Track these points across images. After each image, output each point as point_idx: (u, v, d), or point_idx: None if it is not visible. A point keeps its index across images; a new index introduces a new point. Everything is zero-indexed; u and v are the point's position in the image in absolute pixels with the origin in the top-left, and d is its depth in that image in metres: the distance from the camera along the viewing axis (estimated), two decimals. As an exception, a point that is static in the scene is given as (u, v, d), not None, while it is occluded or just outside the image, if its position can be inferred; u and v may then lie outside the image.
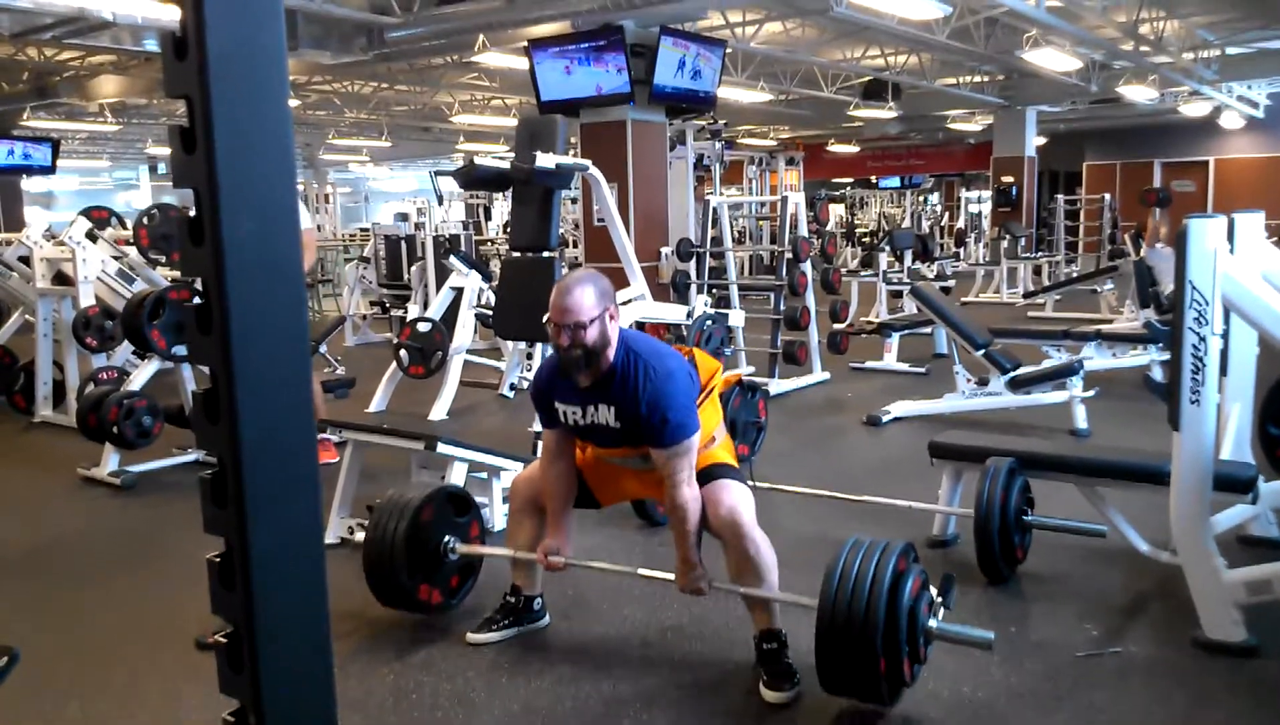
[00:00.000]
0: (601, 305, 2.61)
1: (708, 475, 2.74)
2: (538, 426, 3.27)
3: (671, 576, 2.80)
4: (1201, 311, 2.78)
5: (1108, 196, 15.60)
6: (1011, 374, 5.88)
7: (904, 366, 7.81)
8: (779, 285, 7.37)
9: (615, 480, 3.00)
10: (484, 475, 4.10)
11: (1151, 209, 10.38)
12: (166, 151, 8.92)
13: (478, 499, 4.12)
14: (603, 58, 7.98)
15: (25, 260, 6.75)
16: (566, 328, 2.58)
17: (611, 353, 2.66)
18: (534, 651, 3.01)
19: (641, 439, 2.67)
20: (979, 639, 2.49)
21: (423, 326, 6.52)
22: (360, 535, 3.95)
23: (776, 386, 6.99)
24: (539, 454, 3.00)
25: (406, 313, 8.82)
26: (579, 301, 2.58)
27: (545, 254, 5.05)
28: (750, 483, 2.87)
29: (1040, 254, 14.87)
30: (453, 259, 7.21)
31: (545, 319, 2.64)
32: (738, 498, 2.71)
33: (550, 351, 2.76)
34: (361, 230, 17.93)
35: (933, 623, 2.48)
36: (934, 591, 2.57)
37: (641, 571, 3.02)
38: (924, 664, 2.52)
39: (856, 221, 22.04)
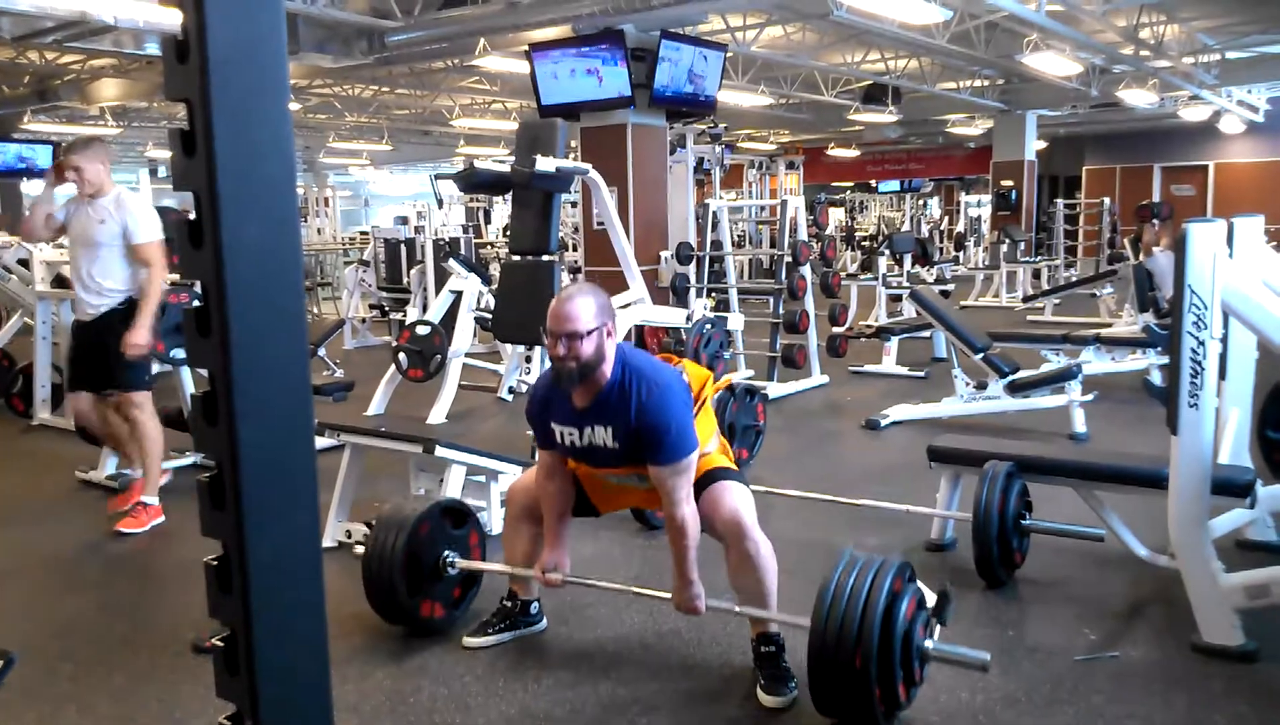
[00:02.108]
0: (600, 320, 2.60)
1: (708, 478, 2.74)
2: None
3: (668, 595, 2.78)
4: (1200, 316, 2.78)
5: (1107, 201, 15.62)
6: (1010, 378, 5.88)
7: (903, 370, 7.81)
8: (778, 289, 7.37)
9: (614, 492, 3.00)
10: (482, 478, 4.10)
11: (1148, 223, 10.38)
12: (167, 155, 8.90)
13: (475, 503, 4.13)
14: (603, 62, 7.99)
15: (25, 263, 6.75)
16: (563, 337, 2.57)
17: (608, 370, 2.64)
18: (531, 656, 3.01)
19: (639, 458, 2.66)
20: (975, 660, 2.42)
21: (422, 330, 6.52)
22: (359, 539, 3.96)
23: (775, 390, 6.99)
24: (536, 463, 2.99)
25: (405, 316, 8.83)
26: (577, 312, 2.58)
27: (545, 258, 5.06)
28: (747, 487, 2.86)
29: (1039, 258, 14.87)
30: (452, 262, 7.22)
31: (543, 328, 2.64)
32: (739, 498, 2.71)
33: (548, 364, 2.76)
34: (361, 233, 17.93)
35: (929, 644, 2.44)
36: (930, 603, 2.54)
37: (637, 590, 3.00)
38: (920, 686, 2.50)
39: (856, 225, 22.07)
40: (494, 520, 4.10)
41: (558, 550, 2.89)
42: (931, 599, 2.56)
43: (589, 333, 2.57)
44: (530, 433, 2.99)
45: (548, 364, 3.01)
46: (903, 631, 2.35)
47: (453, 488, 3.82)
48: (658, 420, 2.59)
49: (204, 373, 1.04)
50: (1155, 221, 8.32)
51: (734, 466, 2.89)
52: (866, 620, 2.29)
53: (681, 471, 2.62)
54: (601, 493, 3.00)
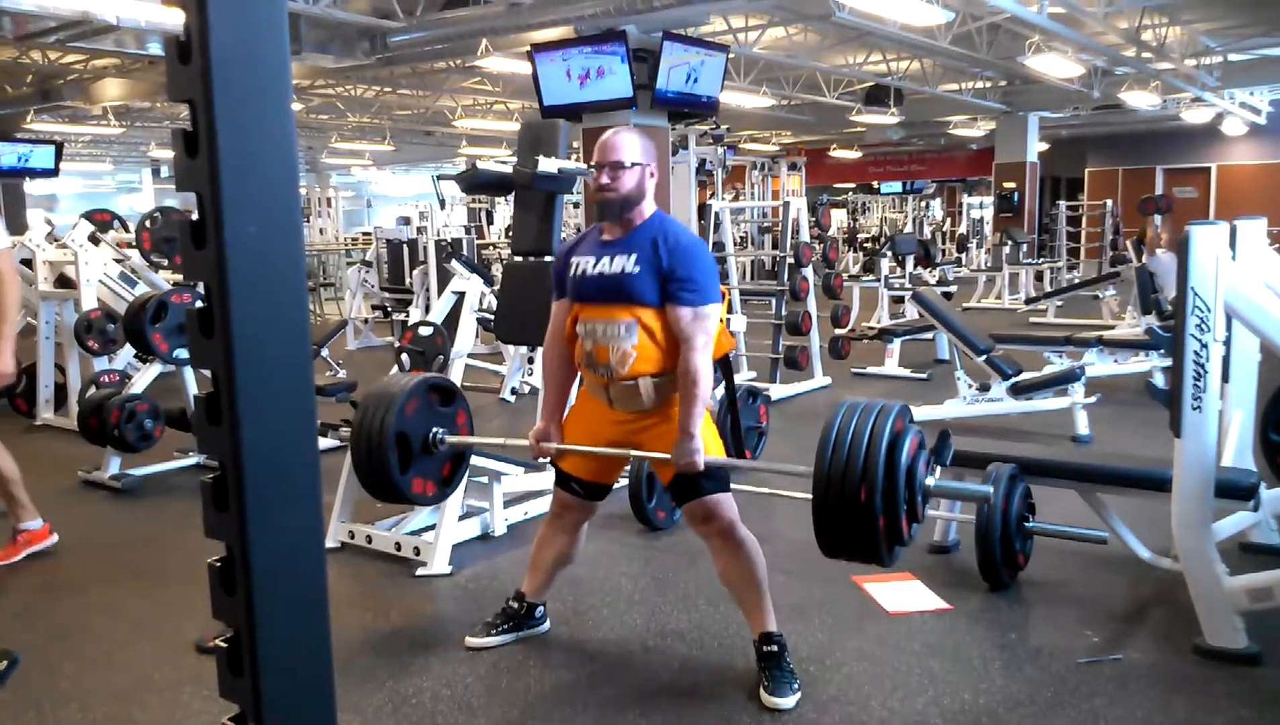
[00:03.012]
0: (645, 157, 2.66)
1: (692, 490, 2.67)
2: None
3: (667, 455, 2.63)
4: (1203, 318, 2.77)
5: (1109, 202, 15.63)
6: (1013, 380, 5.88)
7: (905, 372, 7.80)
8: (780, 290, 7.36)
9: (594, 439, 2.81)
10: (485, 480, 4.10)
11: (1150, 217, 10.38)
12: (169, 155, 8.95)
13: (478, 505, 4.14)
14: (606, 62, 7.99)
15: (28, 263, 6.75)
16: (607, 166, 2.62)
17: (646, 211, 2.68)
18: (534, 657, 3.00)
19: (654, 290, 2.59)
20: (976, 493, 2.44)
21: (424, 330, 6.51)
22: (359, 540, 3.96)
23: (778, 391, 6.99)
24: (541, 406, 2.90)
25: (408, 317, 8.83)
26: (622, 143, 2.64)
27: (547, 258, 5.05)
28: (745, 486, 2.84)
29: (1042, 260, 14.87)
30: (455, 263, 7.20)
31: (590, 163, 2.69)
32: (717, 500, 2.69)
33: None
34: (364, 234, 17.95)
35: (930, 481, 2.44)
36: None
37: (635, 453, 2.74)
38: (920, 523, 2.43)
39: (858, 227, 22.07)
40: (496, 521, 4.10)
41: (552, 420, 2.87)
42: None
43: (634, 165, 2.62)
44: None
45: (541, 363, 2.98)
46: (906, 467, 2.34)
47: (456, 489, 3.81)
48: (688, 261, 2.60)
49: (207, 373, 1.04)
50: (1157, 219, 8.30)
51: (722, 452, 2.79)
52: (871, 455, 2.28)
53: (703, 317, 2.60)
54: (585, 449, 2.84)
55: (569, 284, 2.77)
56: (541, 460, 2.98)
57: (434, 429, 3.05)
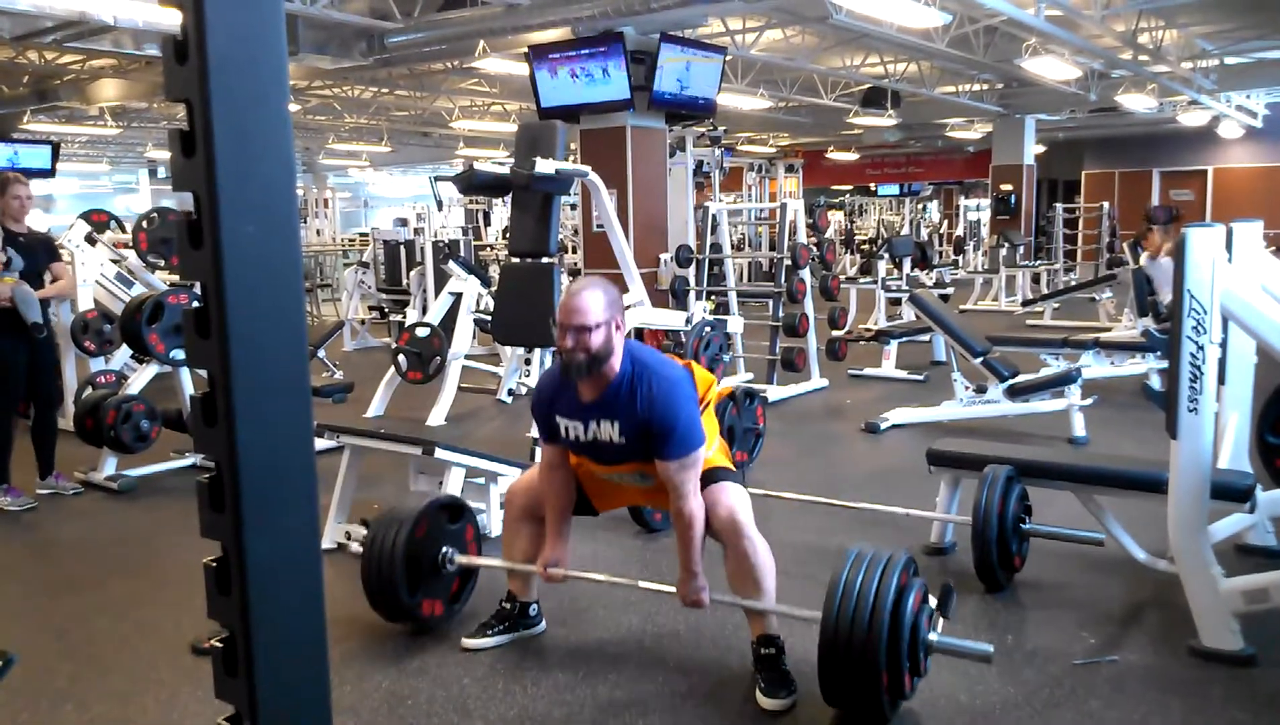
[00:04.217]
0: (609, 313, 2.62)
1: (707, 478, 2.74)
2: (535, 432, 3.27)
3: (672, 589, 2.79)
4: (1200, 320, 2.78)
5: (1106, 205, 15.62)
6: (1010, 382, 5.88)
7: (902, 374, 7.81)
8: (778, 292, 7.37)
9: (613, 491, 3.01)
10: (481, 480, 4.10)
11: (1155, 227, 10.35)
12: (166, 155, 8.94)
13: (475, 504, 4.13)
14: (603, 64, 7.99)
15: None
16: (572, 329, 2.59)
17: (616, 363, 2.66)
18: (530, 658, 3.00)
19: (644, 454, 2.67)
20: (978, 652, 2.51)
21: (421, 331, 6.52)
22: (358, 540, 3.95)
23: (775, 393, 6.99)
24: (537, 461, 2.99)
25: (405, 318, 8.83)
26: (586, 305, 2.60)
27: (544, 260, 5.06)
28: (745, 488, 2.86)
29: (1039, 262, 14.89)
30: (452, 264, 7.22)
31: (552, 321, 2.66)
32: (736, 499, 2.72)
33: (552, 362, 2.76)
34: (361, 235, 17.93)
35: (933, 636, 2.49)
36: (933, 603, 2.57)
37: (642, 584, 3.01)
38: (923, 677, 2.51)
39: (855, 229, 22.07)
40: (493, 522, 4.09)
41: (559, 546, 2.90)
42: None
43: (598, 326, 2.59)
44: (531, 434, 2.99)
45: (549, 362, 3.01)
46: (910, 623, 2.39)
47: (452, 490, 3.82)
48: (666, 414, 2.61)
49: (203, 374, 1.04)
50: (1153, 227, 8.29)
51: (732, 467, 2.89)
52: (877, 611, 2.34)
53: (689, 466, 2.63)
54: (600, 491, 3.01)
55: (563, 442, 2.82)
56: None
57: (443, 549, 3.12)
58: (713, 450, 2.87)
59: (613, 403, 2.66)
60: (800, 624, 3.12)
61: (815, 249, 8.38)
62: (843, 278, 10.92)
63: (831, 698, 2.46)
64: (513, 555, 3.06)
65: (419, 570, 3.06)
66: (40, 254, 4.77)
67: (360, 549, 3.16)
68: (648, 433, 2.63)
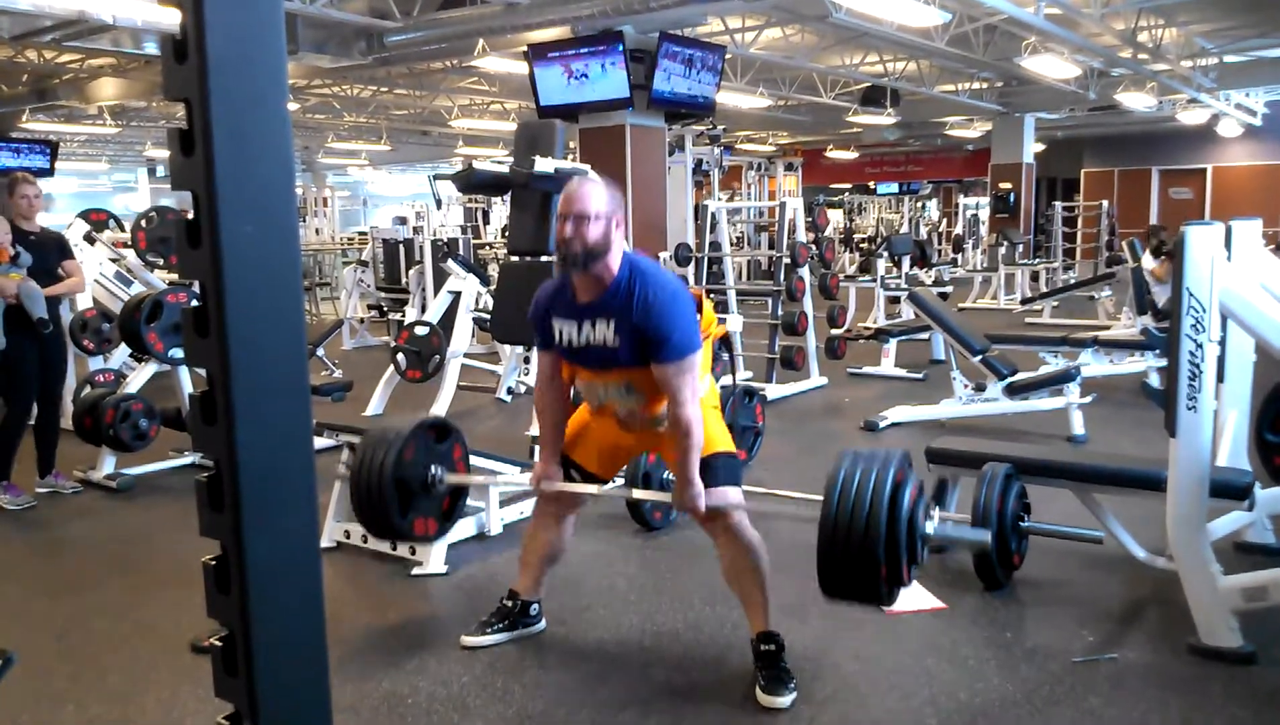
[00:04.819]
0: (609, 208, 2.63)
1: (704, 468, 2.70)
2: (534, 430, 3.26)
3: (667, 497, 2.73)
4: (1199, 318, 2.78)
5: (1105, 203, 15.63)
6: (1009, 380, 5.88)
7: (901, 372, 7.81)
8: (777, 290, 7.37)
9: (607, 433, 2.91)
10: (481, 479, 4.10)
11: (1167, 257, 10.34)
12: (165, 154, 8.94)
13: (474, 504, 4.13)
14: (602, 63, 7.99)
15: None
16: (572, 217, 2.59)
17: (614, 264, 2.64)
18: (530, 656, 3.00)
19: (636, 359, 2.63)
20: (974, 540, 2.49)
21: (420, 330, 6.51)
22: (355, 539, 3.96)
23: (774, 391, 6.99)
24: (538, 454, 2.96)
25: (404, 316, 8.82)
26: (587, 194, 2.61)
27: (543, 258, 5.05)
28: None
29: (1038, 260, 14.89)
30: (451, 263, 7.21)
31: (556, 215, 2.67)
32: (724, 492, 2.70)
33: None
34: (360, 234, 17.93)
35: (930, 527, 2.48)
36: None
37: (634, 492, 2.91)
38: (920, 567, 2.48)
39: (854, 227, 22.06)
40: (492, 521, 4.10)
41: (552, 462, 2.90)
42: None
43: (597, 216, 2.59)
44: (530, 433, 2.99)
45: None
46: (907, 515, 2.39)
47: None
48: (662, 321, 2.58)
49: (202, 372, 1.04)
50: (1166, 256, 8.21)
51: (731, 447, 2.83)
52: (875, 503, 2.35)
53: (686, 370, 2.61)
54: (595, 439, 2.93)
55: (556, 347, 2.79)
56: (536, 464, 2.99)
57: (432, 468, 3.10)
58: (704, 390, 2.79)
59: (609, 304, 2.64)
60: (799, 622, 3.13)
61: (814, 247, 8.38)
62: (842, 276, 10.92)
63: (831, 589, 2.43)
64: (530, 553, 3.06)
65: (409, 491, 3.04)
66: (52, 252, 4.80)
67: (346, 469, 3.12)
68: (643, 338, 2.60)
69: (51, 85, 12.01)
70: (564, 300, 2.73)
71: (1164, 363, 5.51)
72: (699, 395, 2.68)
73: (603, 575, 3.64)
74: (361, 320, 10.65)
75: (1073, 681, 2.78)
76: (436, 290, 7.73)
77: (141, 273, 6.51)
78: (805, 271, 7.44)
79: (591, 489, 2.94)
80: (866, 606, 2.47)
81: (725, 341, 3.16)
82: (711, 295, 7.88)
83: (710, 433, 2.72)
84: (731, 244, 9.27)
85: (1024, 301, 12.50)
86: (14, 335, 4.52)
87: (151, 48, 9.25)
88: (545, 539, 3.02)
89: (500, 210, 16.68)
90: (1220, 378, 3.50)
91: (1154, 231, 9.22)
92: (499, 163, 5.25)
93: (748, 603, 2.79)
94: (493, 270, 9.76)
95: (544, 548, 3.03)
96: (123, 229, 7.22)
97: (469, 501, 4.13)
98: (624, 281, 2.63)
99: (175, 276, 6.43)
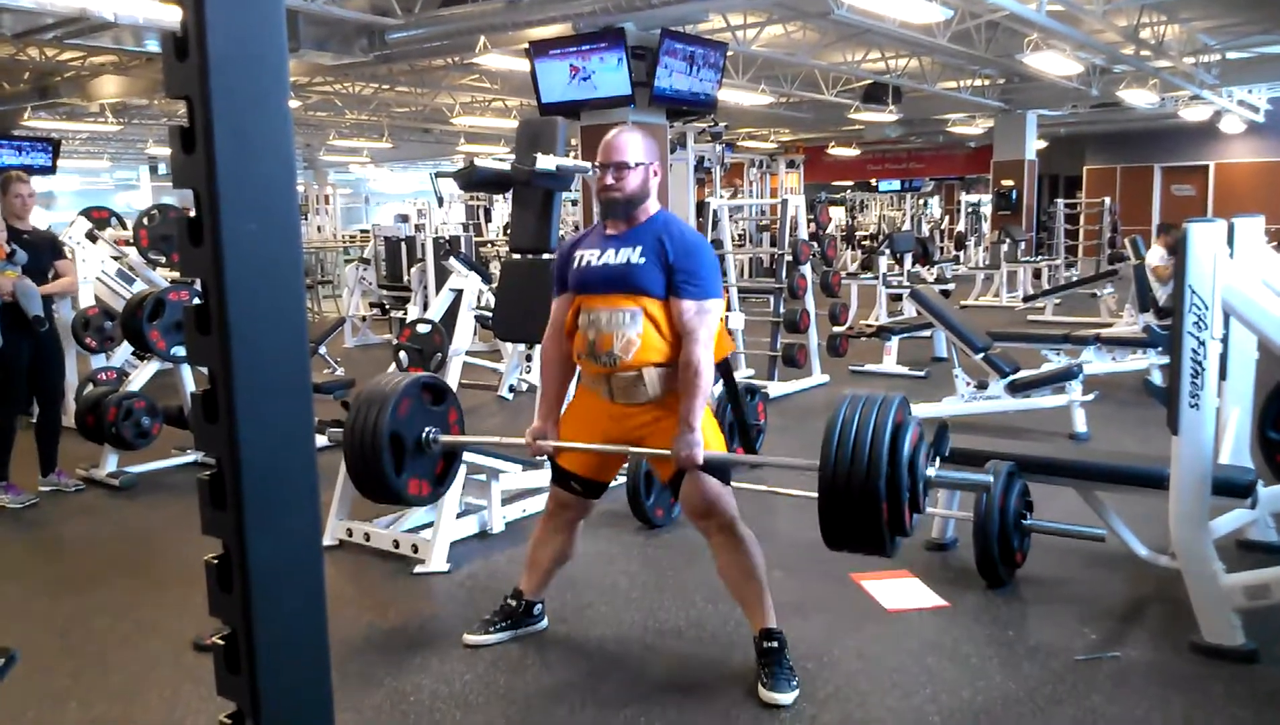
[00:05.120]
0: (648, 156, 2.68)
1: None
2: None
3: (667, 452, 2.62)
4: (1201, 316, 2.77)
5: (1108, 200, 15.61)
6: (1011, 377, 5.88)
7: (903, 369, 7.80)
8: (778, 288, 7.36)
9: (595, 422, 2.81)
10: (483, 477, 4.10)
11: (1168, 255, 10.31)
12: (167, 152, 8.93)
13: (476, 502, 4.14)
14: (604, 60, 7.98)
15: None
16: (612, 166, 2.64)
17: (651, 209, 2.72)
18: (532, 655, 3.00)
19: (649, 285, 2.62)
20: (976, 482, 2.48)
21: (422, 328, 6.50)
22: (357, 537, 3.96)
23: (776, 389, 6.99)
24: (543, 368, 2.91)
25: (406, 314, 8.82)
26: (626, 144, 2.66)
27: (545, 256, 5.05)
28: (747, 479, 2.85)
29: (1040, 258, 14.87)
30: (452, 260, 7.19)
31: (594, 164, 2.72)
32: (719, 492, 2.70)
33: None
34: (361, 231, 17.94)
35: (931, 471, 2.46)
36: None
37: (634, 450, 2.76)
38: (921, 514, 2.45)
39: (856, 224, 22.05)
40: (494, 519, 4.10)
41: (549, 419, 2.88)
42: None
43: (637, 165, 2.64)
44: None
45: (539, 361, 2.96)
46: (908, 458, 2.37)
47: (453, 487, 3.81)
48: (691, 259, 2.63)
49: (204, 370, 1.04)
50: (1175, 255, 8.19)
51: (724, 448, 2.81)
52: (875, 447, 2.32)
53: (706, 311, 2.63)
54: (584, 423, 2.84)
55: (571, 276, 2.77)
56: (539, 458, 2.98)
57: (427, 429, 3.03)
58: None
59: (641, 235, 2.68)
60: (801, 620, 3.13)
61: (816, 245, 8.37)
62: (844, 273, 10.92)
63: (833, 539, 2.39)
64: (538, 556, 3.04)
65: (402, 449, 2.95)
66: (46, 252, 4.83)
67: (337, 432, 3.00)
68: (669, 269, 2.62)
69: (53, 83, 12.01)
70: (594, 235, 2.78)
71: (1166, 360, 5.50)
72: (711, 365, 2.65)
73: (604, 573, 3.64)
74: (363, 318, 10.66)
75: (1075, 680, 2.77)
76: (438, 288, 7.73)
77: (143, 271, 6.51)
78: (807, 269, 7.44)
79: (588, 447, 2.81)
80: (869, 555, 2.40)
81: (725, 369, 3.11)
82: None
83: (705, 437, 2.65)
84: (733, 241, 9.25)
85: (1026, 299, 12.49)
86: (9, 333, 4.53)
87: (153, 45, 9.25)
88: (558, 542, 3.01)
89: (502, 208, 16.67)
90: (1223, 375, 3.50)
91: (1165, 229, 9.21)
92: (501, 160, 5.25)
93: (745, 601, 2.79)
94: (494, 268, 9.77)
95: (554, 552, 3.02)
96: (125, 227, 7.21)
97: (470, 501, 4.14)
98: (658, 220, 2.71)
99: (177, 274, 6.43)
